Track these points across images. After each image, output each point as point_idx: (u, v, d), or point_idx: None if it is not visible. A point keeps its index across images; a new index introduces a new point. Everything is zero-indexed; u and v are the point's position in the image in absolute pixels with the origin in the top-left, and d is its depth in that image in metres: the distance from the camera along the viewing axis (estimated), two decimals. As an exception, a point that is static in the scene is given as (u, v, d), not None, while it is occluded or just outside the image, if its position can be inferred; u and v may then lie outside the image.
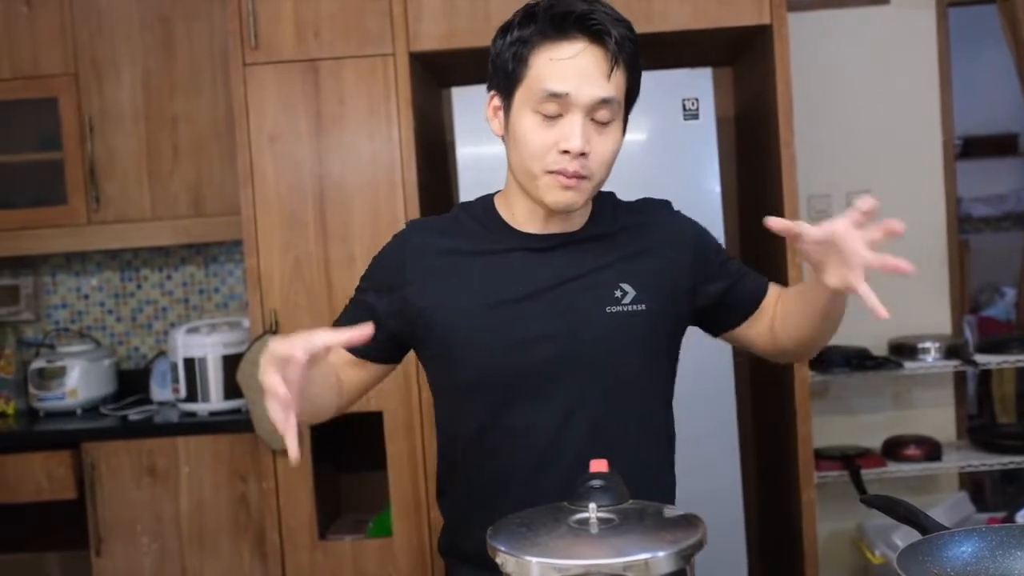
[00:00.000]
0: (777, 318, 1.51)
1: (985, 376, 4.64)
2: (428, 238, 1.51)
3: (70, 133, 3.12)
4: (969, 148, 5.37)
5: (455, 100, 2.76)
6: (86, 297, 3.49)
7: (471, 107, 2.73)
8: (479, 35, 2.68)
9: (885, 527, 2.98)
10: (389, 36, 2.72)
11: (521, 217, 1.48)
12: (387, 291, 1.49)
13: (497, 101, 1.45)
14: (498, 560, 1.04)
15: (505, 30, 1.43)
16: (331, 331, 1.20)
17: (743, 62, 3.14)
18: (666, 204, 1.57)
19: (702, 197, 2.74)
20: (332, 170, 2.75)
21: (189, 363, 3.01)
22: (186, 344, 3.03)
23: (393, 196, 2.74)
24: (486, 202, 1.55)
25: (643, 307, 1.44)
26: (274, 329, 2.73)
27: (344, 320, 1.51)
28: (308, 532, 2.78)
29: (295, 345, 1.16)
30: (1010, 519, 3.01)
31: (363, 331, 1.21)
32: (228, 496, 2.92)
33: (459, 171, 2.76)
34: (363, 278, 1.55)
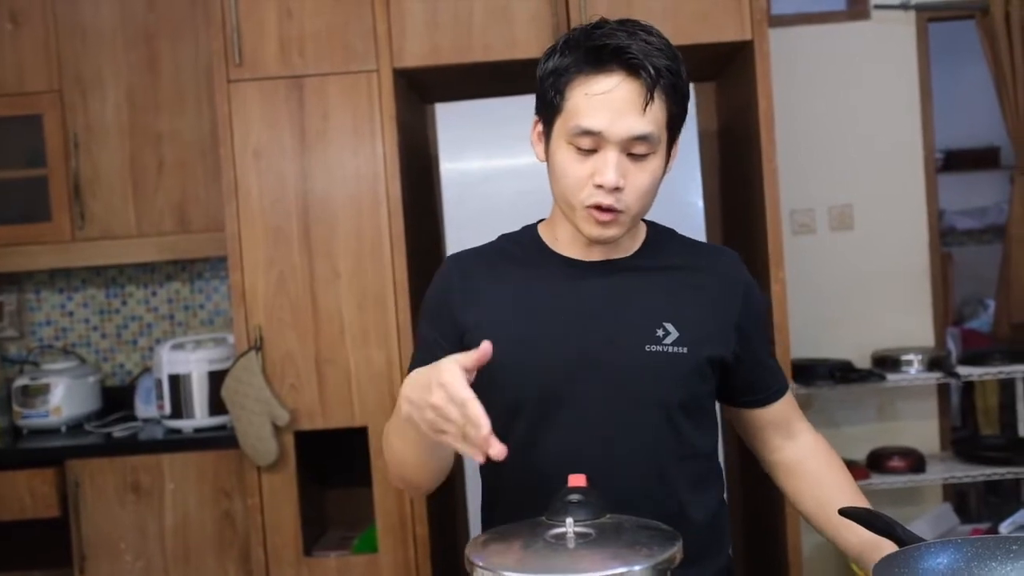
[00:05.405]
0: (804, 492, 1.53)
1: (968, 388, 4.67)
2: (468, 266, 1.50)
3: (55, 150, 3.12)
4: (951, 162, 5.42)
5: (439, 116, 2.76)
6: (71, 314, 3.48)
7: (455, 123, 2.72)
8: (462, 52, 2.69)
9: (870, 539, 2.98)
10: (373, 53, 2.73)
11: (564, 242, 1.46)
12: (441, 325, 1.47)
13: (540, 127, 1.42)
14: (475, 575, 1.05)
15: (549, 55, 1.39)
16: (462, 355, 1.17)
17: (725, 77, 3.16)
18: (730, 253, 1.54)
19: (685, 211, 2.75)
20: (316, 186, 2.75)
21: (174, 379, 3.00)
22: (171, 360, 3.02)
23: (377, 211, 2.75)
24: (529, 229, 1.52)
25: (684, 350, 1.39)
26: (259, 345, 2.73)
27: (419, 364, 1.49)
28: (293, 548, 2.77)
29: (456, 372, 1.15)
30: (994, 530, 3.04)
31: (484, 350, 1.17)
32: (213, 513, 2.91)
33: (443, 187, 2.77)
34: (419, 321, 1.54)
